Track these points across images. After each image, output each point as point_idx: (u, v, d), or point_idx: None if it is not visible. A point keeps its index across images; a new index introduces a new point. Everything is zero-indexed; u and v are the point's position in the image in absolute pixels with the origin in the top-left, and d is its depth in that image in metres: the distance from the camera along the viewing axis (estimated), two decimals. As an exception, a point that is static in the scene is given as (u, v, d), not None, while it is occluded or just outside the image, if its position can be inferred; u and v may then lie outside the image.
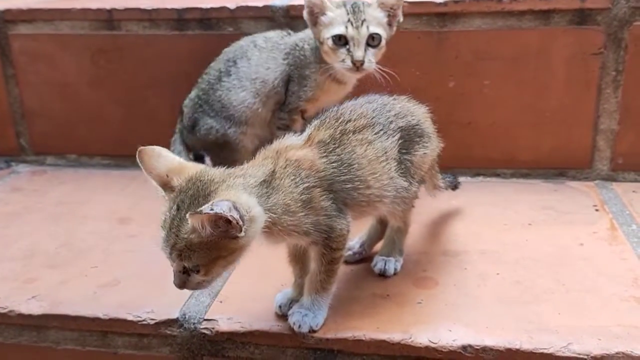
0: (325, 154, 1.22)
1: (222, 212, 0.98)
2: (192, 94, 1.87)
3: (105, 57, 2.12)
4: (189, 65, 2.01)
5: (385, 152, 1.28)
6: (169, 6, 2.04)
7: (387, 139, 1.30)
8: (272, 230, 1.14)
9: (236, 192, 1.09)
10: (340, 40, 1.60)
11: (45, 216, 1.87)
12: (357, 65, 1.60)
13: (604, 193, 1.86)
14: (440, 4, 1.88)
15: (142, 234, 1.73)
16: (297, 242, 1.24)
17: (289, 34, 1.81)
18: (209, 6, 2.01)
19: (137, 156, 1.15)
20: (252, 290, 1.42)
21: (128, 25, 2.08)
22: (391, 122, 1.32)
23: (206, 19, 2.02)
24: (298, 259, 1.32)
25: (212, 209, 0.98)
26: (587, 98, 1.89)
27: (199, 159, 1.88)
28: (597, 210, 1.76)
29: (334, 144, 1.23)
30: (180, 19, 2.03)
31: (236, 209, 1.00)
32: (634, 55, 1.83)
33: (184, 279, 1.11)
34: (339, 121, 1.28)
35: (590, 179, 1.96)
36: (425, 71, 1.95)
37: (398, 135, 1.32)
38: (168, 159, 1.17)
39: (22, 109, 2.23)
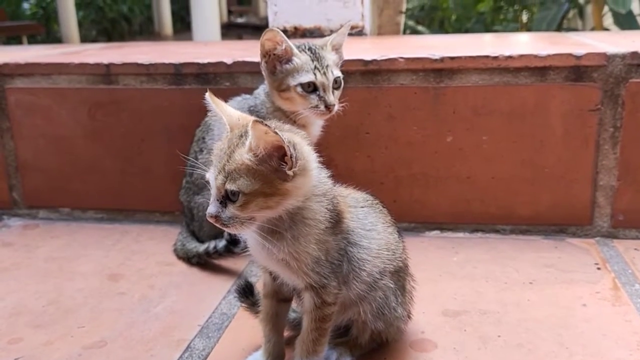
0: (355, 206, 1.27)
1: (282, 138, 1.02)
2: (183, 182, 1.92)
3: (101, 111, 2.12)
4: (185, 119, 2.01)
5: (390, 245, 1.29)
6: (166, 61, 2.05)
7: (395, 237, 1.33)
8: (294, 221, 1.12)
9: (302, 142, 1.11)
10: (309, 87, 1.63)
11: (34, 272, 1.82)
12: (330, 109, 1.63)
13: (605, 251, 1.83)
14: (436, 60, 1.88)
15: (132, 291, 1.68)
16: (295, 276, 1.18)
17: (246, 98, 1.82)
18: (206, 61, 2.02)
19: (208, 98, 1.17)
20: (242, 356, 1.36)
21: (125, 79, 2.09)
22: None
23: (203, 73, 2.02)
24: (271, 317, 1.29)
25: (275, 130, 1.01)
26: (586, 154, 1.88)
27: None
28: (598, 268, 1.72)
29: (364, 204, 1.29)
30: (178, 73, 2.04)
31: (294, 148, 1.05)
32: (631, 112, 1.83)
33: (219, 209, 1.09)
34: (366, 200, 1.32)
35: (590, 235, 1.92)
36: (422, 126, 1.94)
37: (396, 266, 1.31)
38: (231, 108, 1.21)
39: (17, 162, 2.22)
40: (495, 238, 1.96)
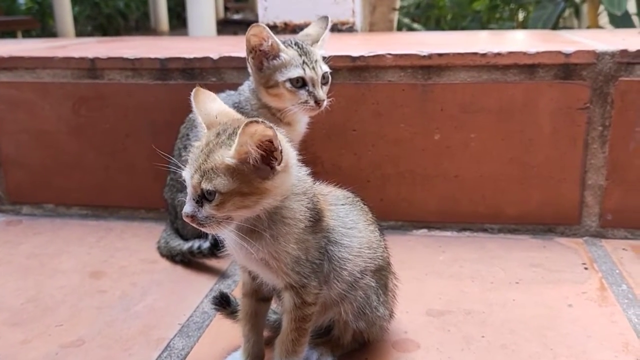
0: (335, 204, 1.24)
1: (275, 133, 1.01)
2: (167, 179, 1.89)
3: (86, 106, 2.09)
4: (170, 114, 1.99)
5: (371, 243, 1.27)
6: (152, 55, 2.03)
7: (376, 235, 1.31)
8: (273, 220, 1.10)
9: (283, 138, 1.09)
10: (298, 82, 1.60)
11: (15, 269, 1.80)
12: (320, 104, 1.61)
13: (593, 250, 1.81)
14: (424, 56, 1.86)
15: (113, 289, 1.66)
16: (274, 276, 1.16)
17: (230, 94, 1.78)
18: (192, 56, 1.99)
19: (192, 94, 1.17)
20: (221, 356, 1.34)
21: (111, 74, 2.06)
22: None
23: (189, 68, 2.00)
24: (250, 317, 1.27)
25: (269, 126, 1.00)
26: (574, 153, 1.85)
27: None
28: (586, 268, 1.70)
29: (344, 202, 1.27)
30: (164, 68, 2.01)
31: (281, 144, 1.05)
32: (620, 111, 1.81)
33: (195, 209, 1.07)
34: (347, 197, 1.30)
35: (579, 235, 1.91)
36: (410, 123, 1.92)
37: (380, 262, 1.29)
38: (220, 104, 1.20)
39: None
40: (483, 237, 1.94)
